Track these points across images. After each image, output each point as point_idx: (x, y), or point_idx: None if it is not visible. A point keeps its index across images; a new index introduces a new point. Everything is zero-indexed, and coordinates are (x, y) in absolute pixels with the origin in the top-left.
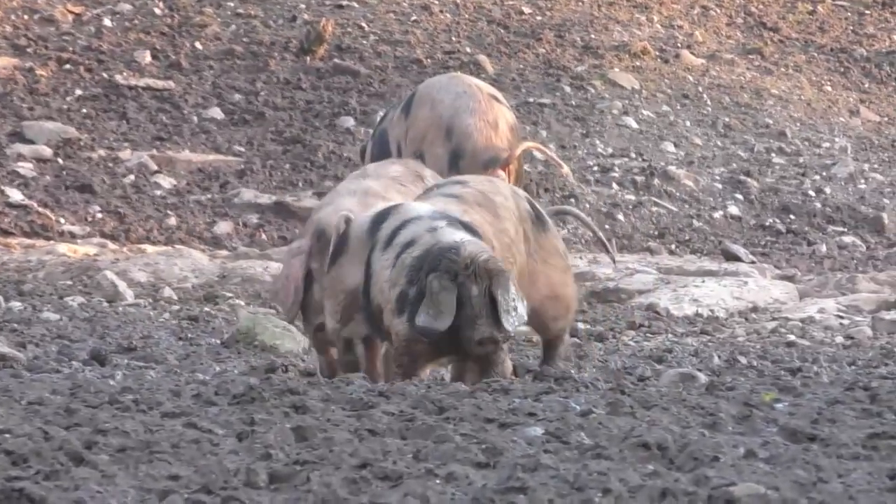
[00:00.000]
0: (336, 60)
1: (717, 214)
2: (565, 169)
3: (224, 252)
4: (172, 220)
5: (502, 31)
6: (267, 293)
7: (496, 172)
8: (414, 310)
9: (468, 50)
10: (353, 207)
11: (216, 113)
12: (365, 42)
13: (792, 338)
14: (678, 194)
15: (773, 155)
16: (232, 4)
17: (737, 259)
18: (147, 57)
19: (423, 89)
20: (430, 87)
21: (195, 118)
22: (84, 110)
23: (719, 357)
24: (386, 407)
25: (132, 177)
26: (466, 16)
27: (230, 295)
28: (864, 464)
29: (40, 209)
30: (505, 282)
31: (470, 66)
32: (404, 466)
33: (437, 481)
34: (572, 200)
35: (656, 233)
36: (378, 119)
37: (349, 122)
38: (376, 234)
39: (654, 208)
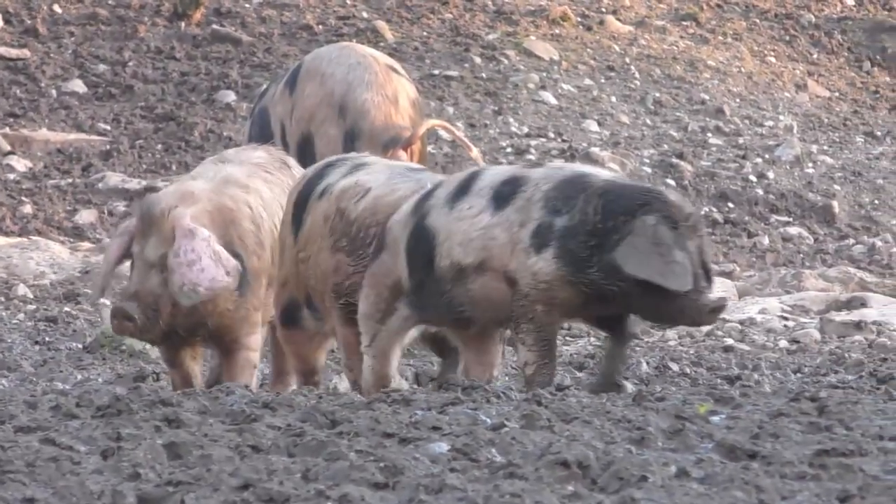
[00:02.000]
0: (214, 27)
1: None
2: (474, 152)
3: (87, 244)
4: (28, 208)
5: None
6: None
7: (397, 154)
8: (568, 244)
9: (365, 15)
10: (203, 193)
11: (78, 86)
12: (247, 6)
13: (730, 342)
14: None
15: (710, 135)
16: None
17: None
18: None
19: (311, 62)
20: (318, 60)
21: (54, 92)
22: None
23: (648, 364)
24: (271, 420)
25: None
26: None
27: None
28: (811, 484)
29: None
30: (709, 245)
31: (367, 34)
32: (292, 487)
33: None
34: None
35: None
36: (258, 95)
37: (229, 96)
38: (426, 203)
39: None
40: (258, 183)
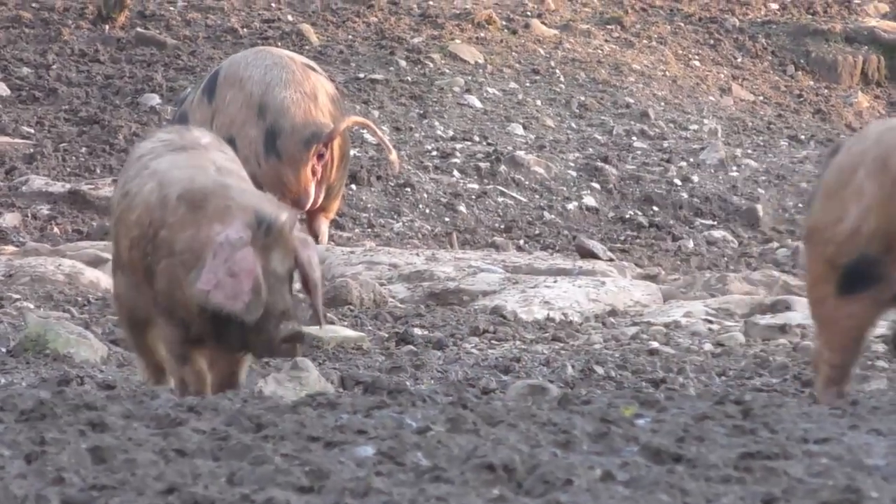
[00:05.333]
0: (139, 29)
1: (572, 206)
2: (393, 155)
3: (10, 248)
4: None
5: None
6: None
7: (319, 150)
8: None
9: (290, 18)
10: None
11: (1, 89)
12: (172, 9)
13: (655, 345)
14: (527, 183)
15: (635, 139)
16: None
17: (593, 256)
18: None
19: (228, 68)
20: (235, 65)
21: None
22: None
23: (573, 367)
24: (196, 424)
25: None
26: None
27: (17, 297)
28: (736, 487)
29: None
30: None
31: (292, 37)
32: (216, 491)
33: None
34: (408, 189)
35: (503, 226)
36: (180, 99)
37: (154, 99)
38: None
39: (501, 199)
40: (238, 167)
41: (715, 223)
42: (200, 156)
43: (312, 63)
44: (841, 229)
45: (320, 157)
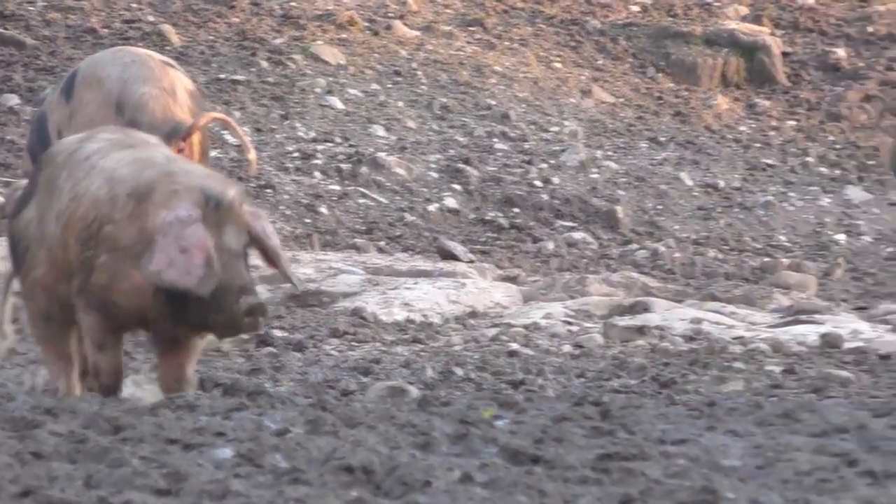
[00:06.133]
0: None
1: (433, 207)
2: (251, 154)
3: None
4: None
5: None
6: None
7: (178, 145)
8: None
9: (151, 19)
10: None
11: None
12: (31, 8)
13: (514, 346)
14: (389, 184)
15: (496, 140)
16: None
17: (454, 258)
18: None
19: (86, 68)
20: (93, 65)
21: None
22: None
23: (433, 368)
24: (53, 426)
25: None
26: None
27: None
28: (594, 488)
29: None
30: None
31: (153, 37)
32: (73, 494)
33: None
34: (269, 191)
35: (364, 228)
36: (40, 99)
37: (13, 100)
38: None
39: (362, 200)
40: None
41: (575, 225)
42: (147, 151)
43: (172, 61)
44: None
45: (179, 152)
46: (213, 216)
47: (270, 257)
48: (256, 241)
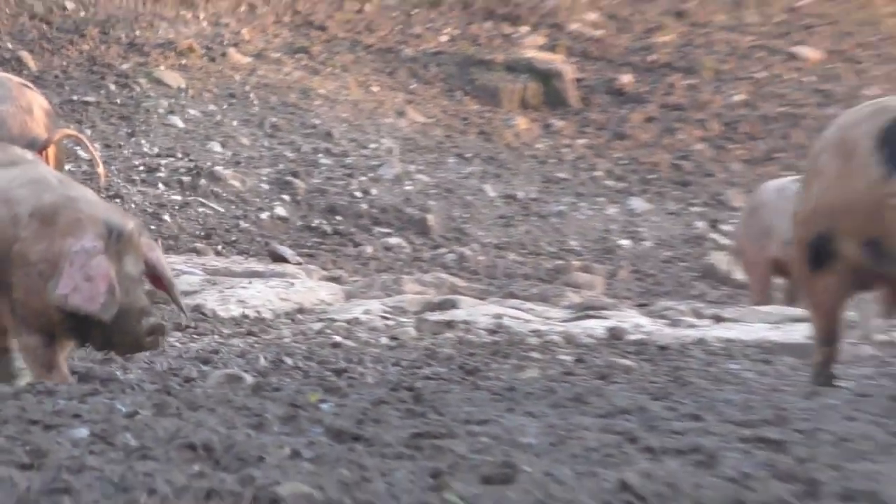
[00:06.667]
0: None
1: (264, 215)
2: (101, 168)
3: None
4: None
5: (45, 26)
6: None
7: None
8: None
9: (10, 46)
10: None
11: None
12: None
13: (338, 339)
14: (225, 195)
15: (321, 156)
16: None
17: (283, 260)
18: None
19: None
20: None
21: None
22: None
23: (265, 358)
24: None
25: None
26: (8, 11)
27: None
28: (408, 463)
29: None
30: None
31: (12, 63)
32: None
33: None
34: (118, 200)
35: (203, 234)
36: None
37: None
38: None
39: (201, 209)
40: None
41: (391, 231)
42: (34, 169)
43: (29, 83)
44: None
45: None
46: (115, 246)
47: (164, 285)
48: (152, 270)
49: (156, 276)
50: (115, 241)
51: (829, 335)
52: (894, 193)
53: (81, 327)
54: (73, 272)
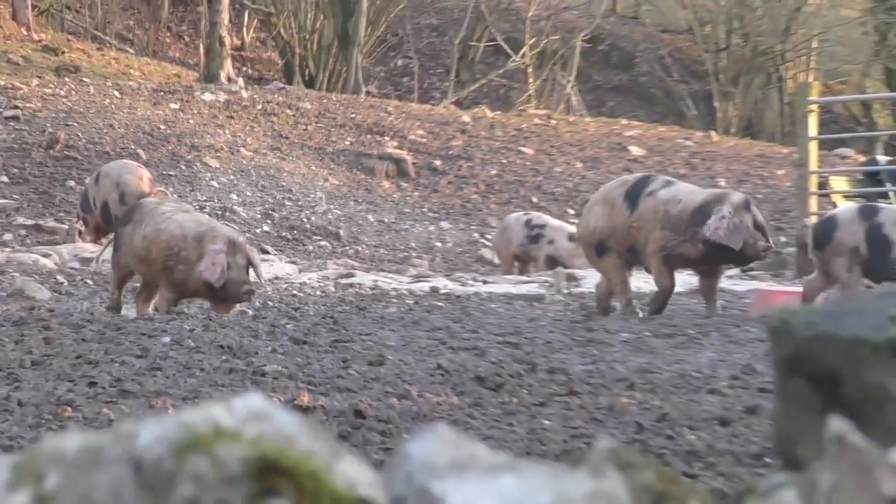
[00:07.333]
0: None
1: (258, 230)
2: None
3: None
4: None
5: (149, 137)
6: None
7: None
8: None
9: (132, 146)
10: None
11: None
12: None
13: (295, 292)
14: (237, 220)
15: (286, 201)
16: None
17: (267, 253)
18: None
19: None
20: None
21: None
22: None
23: (258, 301)
24: None
25: None
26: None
27: (11, 270)
28: (330, 355)
29: None
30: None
31: (133, 156)
32: None
33: None
34: None
35: None
36: None
37: None
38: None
39: None
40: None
41: (321, 238)
42: (194, 213)
43: (140, 164)
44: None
45: None
46: (231, 249)
47: (254, 265)
48: (250, 261)
49: (251, 264)
50: (232, 246)
51: (614, 288)
52: (635, 221)
53: (212, 289)
54: (206, 261)
